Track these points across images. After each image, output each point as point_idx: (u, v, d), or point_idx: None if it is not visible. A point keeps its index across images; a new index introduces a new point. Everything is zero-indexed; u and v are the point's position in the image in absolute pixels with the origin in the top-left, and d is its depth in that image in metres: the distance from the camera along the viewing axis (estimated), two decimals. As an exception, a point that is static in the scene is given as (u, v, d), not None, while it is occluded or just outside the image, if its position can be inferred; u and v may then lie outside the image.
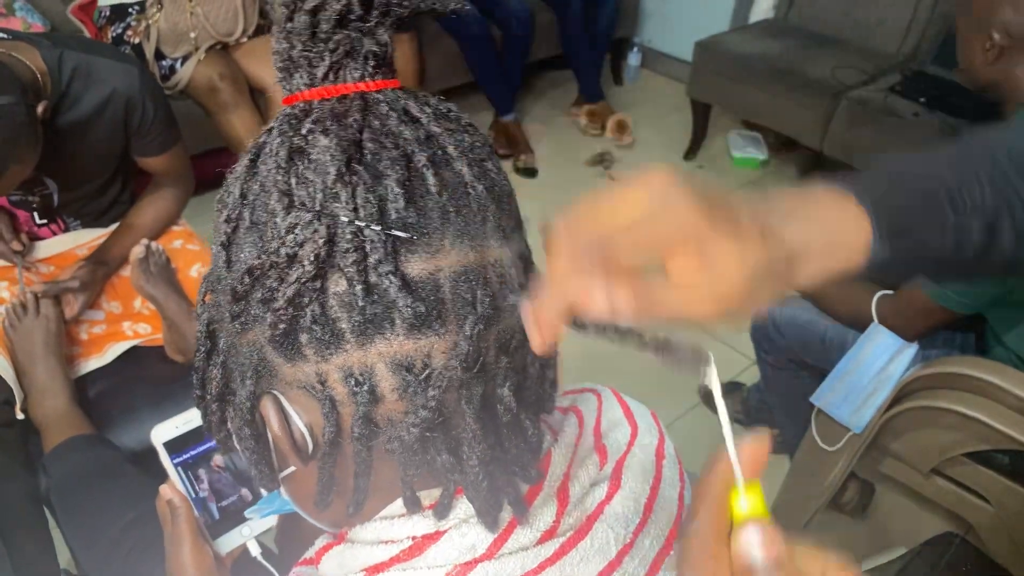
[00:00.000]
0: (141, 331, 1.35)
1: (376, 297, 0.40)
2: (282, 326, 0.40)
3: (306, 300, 0.40)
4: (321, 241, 0.39)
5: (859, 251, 0.46)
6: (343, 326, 0.40)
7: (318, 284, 0.40)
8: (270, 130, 0.43)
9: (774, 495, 1.53)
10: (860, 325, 1.30)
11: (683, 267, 0.37)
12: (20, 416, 1.17)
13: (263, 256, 0.40)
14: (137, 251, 1.29)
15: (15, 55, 1.10)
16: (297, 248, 0.39)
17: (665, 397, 1.72)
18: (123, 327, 1.35)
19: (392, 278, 0.39)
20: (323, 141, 0.40)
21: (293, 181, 0.40)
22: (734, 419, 1.90)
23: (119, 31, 2.16)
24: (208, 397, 0.46)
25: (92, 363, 1.29)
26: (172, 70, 2.17)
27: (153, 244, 1.33)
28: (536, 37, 3.00)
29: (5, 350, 1.21)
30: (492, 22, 2.87)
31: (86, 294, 1.29)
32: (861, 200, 0.46)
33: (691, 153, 3.09)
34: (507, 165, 2.89)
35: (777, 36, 2.88)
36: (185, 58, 2.16)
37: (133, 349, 1.32)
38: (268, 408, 0.43)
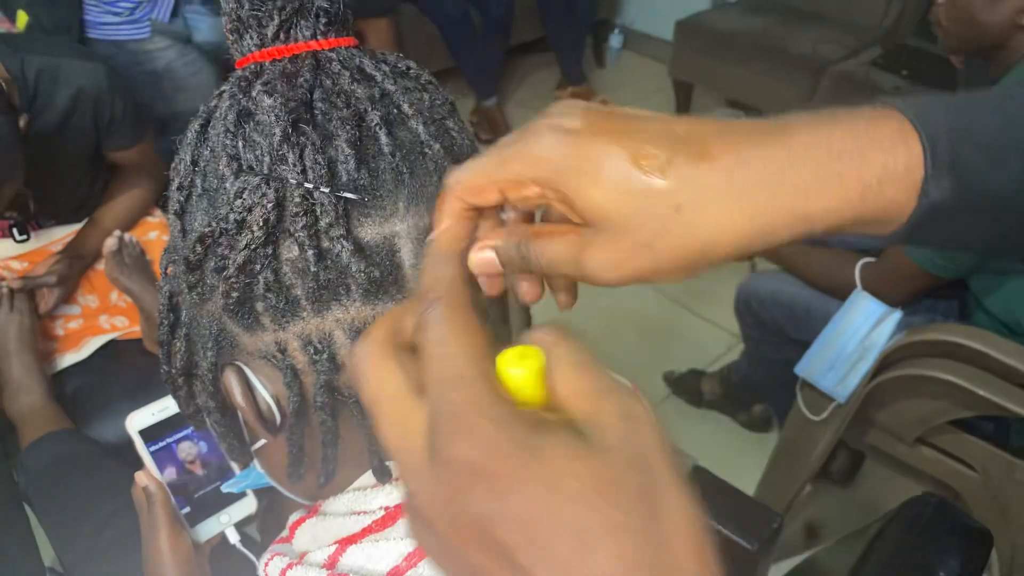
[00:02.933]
0: (118, 324, 1.33)
1: (329, 263, 0.39)
2: (235, 294, 0.39)
3: (258, 267, 0.39)
4: (270, 205, 0.38)
5: (904, 183, 0.31)
6: (298, 293, 0.39)
7: (270, 250, 0.39)
8: (221, 94, 0.42)
9: (760, 472, 1.53)
10: (842, 295, 1.30)
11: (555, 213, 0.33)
12: (-5, 413, 1.16)
13: (213, 223, 0.39)
14: (110, 243, 1.27)
15: None
16: (246, 213, 0.38)
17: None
18: (100, 321, 1.33)
19: (344, 242, 0.38)
20: (267, 101, 0.39)
21: (240, 144, 0.39)
22: (709, 401, 1.89)
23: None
24: (174, 371, 0.45)
25: (68, 358, 1.27)
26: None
27: (127, 236, 1.31)
28: (517, 20, 2.98)
29: (-21, 346, 1.19)
30: (472, 5, 2.85)
31: (62, 288, 1.27)
32: (909, 115, 0.32)
33: (675, 133, 3.07)
34: (490, 150, 2.87)
35: (758, 12, 2.87)
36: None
37: (111, 343, 1.30)
38: (231, 379, 0.42)
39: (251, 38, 0.42)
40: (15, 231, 1.27)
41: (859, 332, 1.23)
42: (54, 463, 1.04)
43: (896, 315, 1.24)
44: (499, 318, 0.48)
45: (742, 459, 1.74)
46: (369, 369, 0.28)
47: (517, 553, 0.23)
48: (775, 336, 1.52)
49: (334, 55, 0.42)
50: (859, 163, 0.31)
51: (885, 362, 1.18)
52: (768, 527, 0.76)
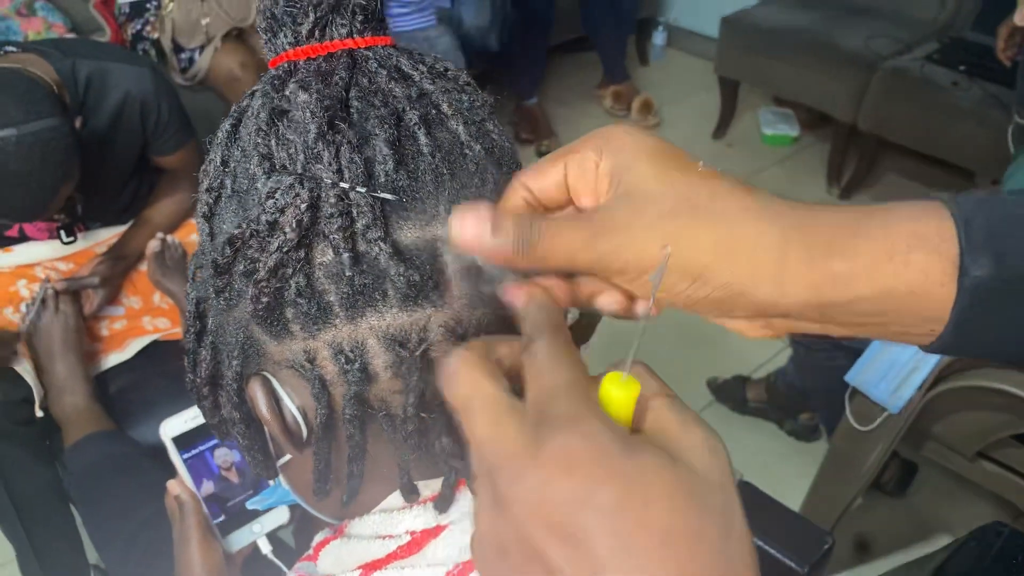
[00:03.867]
0: (160, 325, 1.34)
1: (365, 266, 0.37)
2: (265, 299, 0.38)
3: (289, 271, 0.37)
4: (303, 206, 0.36)
5: (938, 270, 0.30)
6: (331, 299, 0.38)
7: (302, 253, 0.37)
8: (253, 93, 0.41)
9: (807, 483, 1.48)
10: None
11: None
12: (40, 414, 1.17)
13: (243, 225, 0.38)
14: (153, 245, 1.28)
15: (31, 69, 1.09)
16: (278, 214, 0.36)
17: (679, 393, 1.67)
18: (143, 322, 1.34)
19: (382, 245, 0.37)
20: (302, 96, 0.38)
21: (273, 143, 0.38)
22: (754, 409, 1.84)
23: (138, 27, 2.17)
24: (199, 380, 0.44)
25: (112, 359, 1.29)
26: (191, 61, 2.17)
27: (169, 238, 1.33)
28: (558, 19, 2.95)
29: (25, 347, 1.21)
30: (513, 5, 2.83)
31: (106, 289, 1.29)
32: (949, 206, 0.31)
33: (720, 132, 3.01)
34: (530, 150, 2.85)
35: (807, 7, 2.79)
36: (202, 48, 2.16)
37: (153, 344, 1.32)
38: (256, 390, 0.41)
39: (285, 36, 0.40)
40: (62, 233, 1.29)
41: None
42: (95, 464, 1.05)
43: None
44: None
45: (788, 469, 1.69)
46: (466, 371, 0.30)
47: (598, 542, 0.24)
48: (826, 343, 1.47)
49: (370, 54, 0.40)
50: (886, 265, 0.31)
51: (944, 372, 1.13)
52: (819, 548, 0.73)
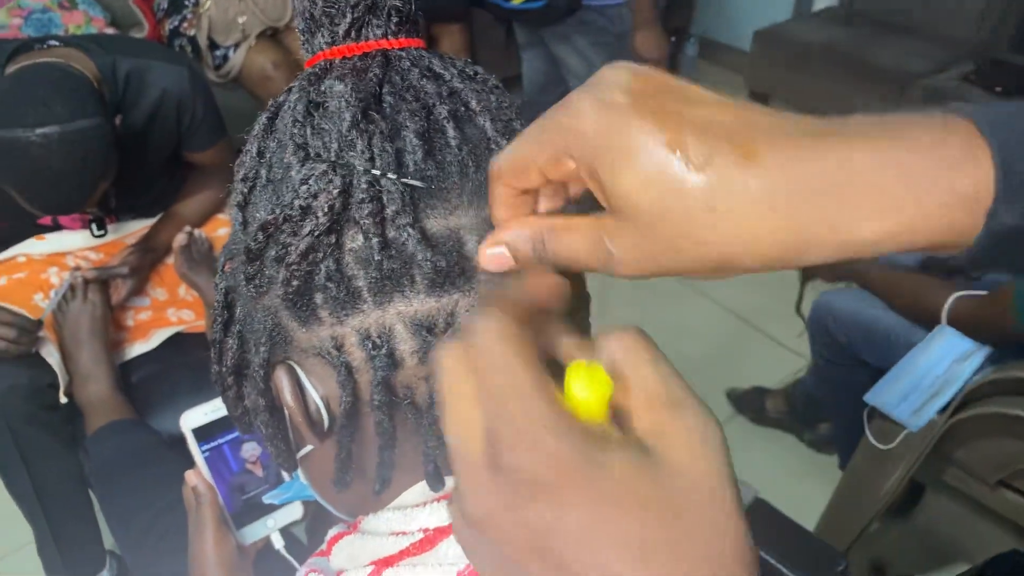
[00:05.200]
0: (185, 317, 1.36)
1: (394, 251, 0.38)
2: (295, 283, 0.39)
3: (320, 255, 0.38)
4: (335, 192, 0.37)
5: (969, 206, 0.27)
6: (359, 284, 0.39)
7: (332, 239, 0.38)
8: (290, 89, 0.43)
9: (825, 499, 1.46)
10: (928, 323, 1.22)
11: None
12: (64, 400, 1.19)
13: (277, 210, 0.39)
14: (180, 239, 1.30)
15: (73, 64, 1.11)
16: (311, 199, 0.38)
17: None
18: (168, 313, 1.36)
19: (411, 231, 0.38)
20: (338, 87, 0.39)
21: (308, 132, 0.39)
22: (773, 419, 1.83)
23: (176, 23, 2.20)
24: (224, 370, 0.45)
25: (137, 348, 1.31)
26: (225, 58, 2.20)
27: (196, 232, 1.34)
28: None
29: (52, 334, 1.23)
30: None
31: (134, 280, 1.31)
32: (984, 129, 0.27)
33: (748, 146, 2.99)
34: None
35: (842, 23, 2.77)
36: (237, 46, 2.19)
37: (176, 335, 1.34)
38: (282, 377, 0.41)
39: (323, 36, 0.42)
40: (93, 226, 1.32)
41: (941, 364, 1.16)
42: (115, 452, 1.07)
43: (985, 351, 1.16)
44: (581, 327, 0.46)
45: (806, 483, 1.67)
46: (448, 366, 0.27)
47: (573, 565, 0.23)
48: (848, 359, 1.45)
49: (404, 54, 0.42)
50: (920, 186, 0.27)
51: (969, 398, 1.11)
52: (832, 570, 0.72)
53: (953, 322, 1.17)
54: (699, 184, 0.27)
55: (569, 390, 0.26)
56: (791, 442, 1.81)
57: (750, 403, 1.86)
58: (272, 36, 2.28)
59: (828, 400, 1.61)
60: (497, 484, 0.24)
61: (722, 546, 0.23)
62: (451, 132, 0.40)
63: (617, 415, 0.26)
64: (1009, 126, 0.27)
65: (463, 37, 2.71)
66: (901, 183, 0.27)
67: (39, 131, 0.98)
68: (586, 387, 0.26)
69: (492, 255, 0.33)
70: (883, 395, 1.23)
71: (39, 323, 1.21)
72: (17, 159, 1.00)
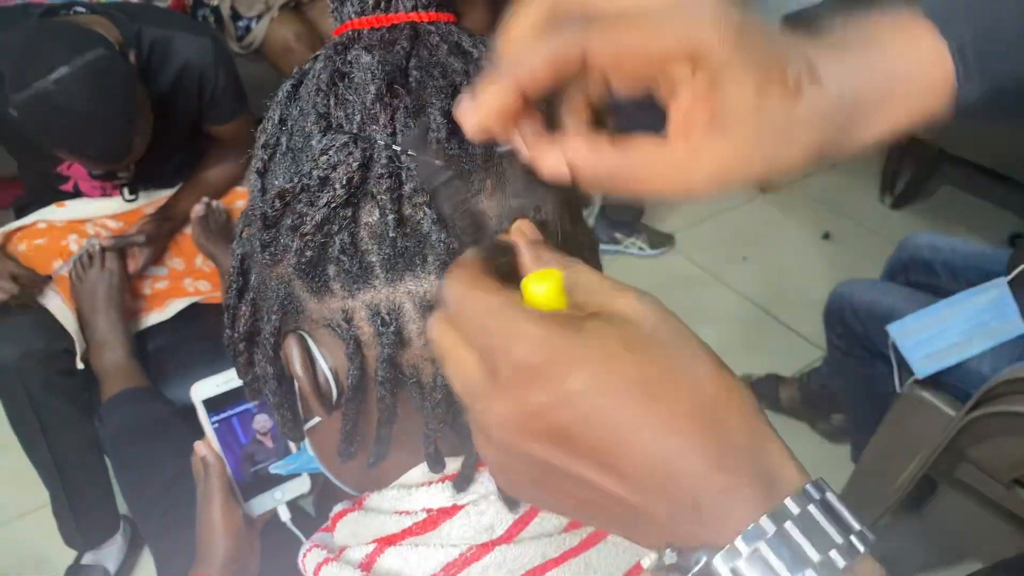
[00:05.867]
0: (201, 288, 1.37)
1: (409, 229, 0.38)
2: (309, 253, 0.38)
3: (335, 227, 0.38)
4: (355, 164, 0.37)
5: (939, 93, 0.35)
6: (372, 259, 0.38)
7: (349, 212, 0.38)
8: (316, 57, 0.42)
9: (837, 490, 1.45)
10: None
11: (683, 101, 0.31)
12: (80, 366, 1.21)
13: (295, 179, 0.39)
14: (198, 209, 1.31)
15: (96, 29, 1.12)
16: (329, 170, 0.37)
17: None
18: (184, 283, 1.37)
19: (427, 210, 0.37)
20: (365, 58, 0.39)
21: (332, 102, 0.39)
22: (787, 408, 1.82)
23: (199, -7, 2.19)
24: (236, 335, 0.45)
25: (153, 317, 1.32)
26: (248, 29, 2.19)
27: (214, 202, 1.35)
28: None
29: (70, 300, 1.24)
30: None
31: (151, 248, 1.32)
32: (938, 24, 0.35)
33: (772, 132, 2.95)
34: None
35: (874, 6, 2.71)
36: (259, 17, 2.18)
37: (192, 305, 1.34)
38: (292, 346, 0.41)
39: (352, 5, 0.41)
40: (125, 191, 1.33)
41: (977, 318, 1.12)
42: (129, 419, 1.08)
43: (1021, 331, 1.13)
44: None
45: (817, 473, 1.62)
46: (436, 332, 0.32)
47: (597, 427, 0.25)
48: (864, 350, 1.44)
49: (433, 28, 0.41)
50: (911, 86, 0.35)
51: (987, 396, 1.09)
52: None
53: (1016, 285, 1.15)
54: (795, 103, 0.33)
55: (527, 292, 0.31)
56: (804, 431, 1.80)
57: (763, 391, 1.85)
58: (295, 8, 2.26)
59: (842, 391, 1.60)
60: (502, 392, 0.27)
61: (708, 369, 0.28)
62: None
63: (573, 310, 0.31)
64: (952, 13, 0.35)
65: (489, 14, 2.69)
66: (901, 87, 0.35)
67: (51, 77, 1.00)
68: (540, 282, 0.31)
69: (556, 169, 0.34)
70: (907, 329, 1.21)
71: (47, 279, 1.23)
72: (46, 114, 1.02)
